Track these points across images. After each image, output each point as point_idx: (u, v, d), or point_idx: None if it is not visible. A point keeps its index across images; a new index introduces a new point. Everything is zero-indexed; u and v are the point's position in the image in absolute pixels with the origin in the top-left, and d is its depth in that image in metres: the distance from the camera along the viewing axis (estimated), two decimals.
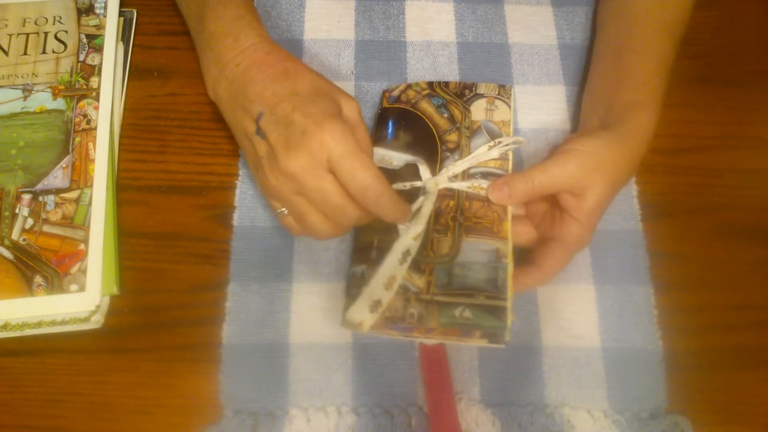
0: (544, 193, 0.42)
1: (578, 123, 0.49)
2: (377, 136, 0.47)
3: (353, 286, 0.41)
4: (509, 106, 0.48)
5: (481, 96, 0.49)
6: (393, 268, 0.41)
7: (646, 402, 0.43)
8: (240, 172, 0.49)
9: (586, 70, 0.52)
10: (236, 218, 0.47)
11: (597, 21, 0.53)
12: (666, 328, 0.45)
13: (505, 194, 0.43)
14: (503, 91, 0.49)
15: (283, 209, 0.42)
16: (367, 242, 0.43)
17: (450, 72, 0.53)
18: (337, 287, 0.45)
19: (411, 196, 0.44)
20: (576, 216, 0.41)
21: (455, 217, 0.43)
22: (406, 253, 0.41)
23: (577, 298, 0.45)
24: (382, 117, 0.49)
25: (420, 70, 0.53)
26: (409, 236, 0.42)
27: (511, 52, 0.54)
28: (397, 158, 0.46)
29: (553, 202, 0.44)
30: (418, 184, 0.45)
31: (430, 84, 0.50)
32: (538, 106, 0.52)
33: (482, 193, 0.44)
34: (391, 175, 0.45)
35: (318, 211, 0.40)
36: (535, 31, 0.55)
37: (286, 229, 0.43)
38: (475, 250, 0.42)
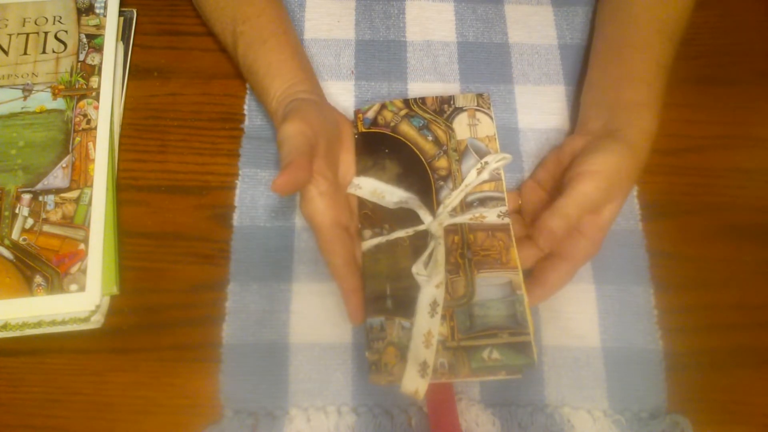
0: (577, 221, 0.41)
1: (576, 121, 0.49)
2: (362, 167, 0.46)
3: (374, 339, 0.40)
4: (491, 118, 0.47)
5: (461, 110, 0.48)
6: (426, 323, 0.40)
7: (646, 402, 0.43)
8: (240, 172, 0.48)
9: (585, 70, 0.52)
10: (236, 218, 0.47)
11: (596, 19, 0.53)
12: (666, 328, 0.45)
13: (551, 238, 0.40)
14: (482, 101, 0.48)
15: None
16: (380, 291, 0.42)
17: (450, 72, 0.53)
18: (337, 287, 0.45)
19: (415, 240, 0.43)
20: (588, 233, 0.41)
21: (463, 253, 0.43)
22: (434, 304, 0.41)
23: (577, 298, 0.45)
24: (361, 144, 0.47)
25: (420, 70, 0.53)
26: (432, 285, 0.41)
27: (512, 52, 0.54)
28: (390, 192, 0.45)
29: None
30: (421, 228, 0.43)
31: (406, 102, 0.48)
32: (538, 106, 0.52)
33: (485, 221, 0.43)
34: (387, 216, 0.44)
35: None
36: (535, 31, 0.55)
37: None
38: (489, 285, 0.41)
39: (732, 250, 0.48)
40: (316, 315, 0.44)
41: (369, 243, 0.43)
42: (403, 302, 0.41)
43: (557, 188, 0.43)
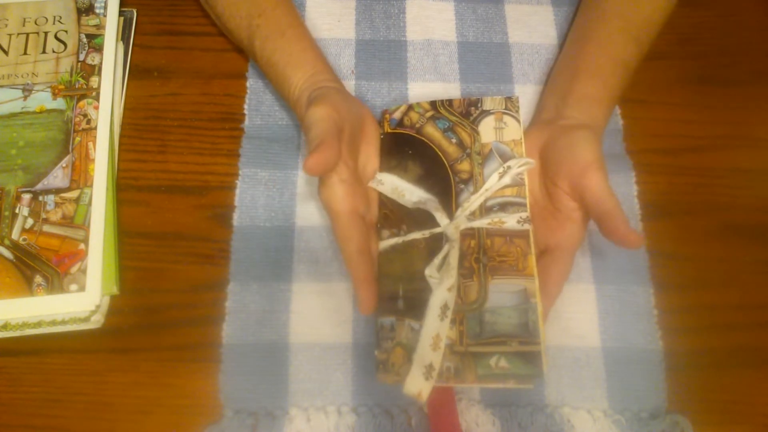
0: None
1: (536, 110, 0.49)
2: (385, 167, 0.46)
3: (383, 339, 0.40)
4: (518, 121, 0.46)
5: (488, 113, 0.46)
6: (435, 326, 0.40)
7: (646, 402, 0.43)
8: (240, 172, 0.48)
9: None
10: (236, 218, 0.47)
11: (576, 13, 0.54)
12: (666, 328, 0.45)
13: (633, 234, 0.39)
14: (510, 104, 0.46)
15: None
16: (392, 292, 0.41)
17: (450, 71, 0.53)
18: (337, 287, 0.45)
19: (431, 242, 0.43)
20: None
21: (479, 258, 0.42)
22: (444, 307, 0.40)
23: (577, 298, 0.45)
24: (386, 144, 0.46)
25: (420, 69, 0.53)
26: (444, 288, 0.41)
27: (512, 52, 0.54)
28: (410, 191, 0.44)
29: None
30: (437, 230, 0.43)
31: (433, 104, 0.47)
32: None
33: (503, 226, 0.42)
34: (405, 218, 0.44)
35: None
36: (535, 30, 0.55)
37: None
38: (502, 292, 0.41)
39: (732, 250, 0.48)
40: (316, 315, 0.44)
41: (386, 243, 0.43)
42: (415, 304, 0.41)
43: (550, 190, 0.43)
